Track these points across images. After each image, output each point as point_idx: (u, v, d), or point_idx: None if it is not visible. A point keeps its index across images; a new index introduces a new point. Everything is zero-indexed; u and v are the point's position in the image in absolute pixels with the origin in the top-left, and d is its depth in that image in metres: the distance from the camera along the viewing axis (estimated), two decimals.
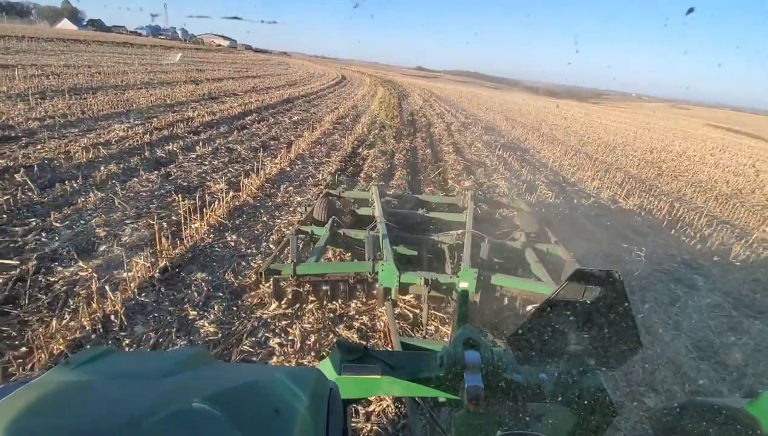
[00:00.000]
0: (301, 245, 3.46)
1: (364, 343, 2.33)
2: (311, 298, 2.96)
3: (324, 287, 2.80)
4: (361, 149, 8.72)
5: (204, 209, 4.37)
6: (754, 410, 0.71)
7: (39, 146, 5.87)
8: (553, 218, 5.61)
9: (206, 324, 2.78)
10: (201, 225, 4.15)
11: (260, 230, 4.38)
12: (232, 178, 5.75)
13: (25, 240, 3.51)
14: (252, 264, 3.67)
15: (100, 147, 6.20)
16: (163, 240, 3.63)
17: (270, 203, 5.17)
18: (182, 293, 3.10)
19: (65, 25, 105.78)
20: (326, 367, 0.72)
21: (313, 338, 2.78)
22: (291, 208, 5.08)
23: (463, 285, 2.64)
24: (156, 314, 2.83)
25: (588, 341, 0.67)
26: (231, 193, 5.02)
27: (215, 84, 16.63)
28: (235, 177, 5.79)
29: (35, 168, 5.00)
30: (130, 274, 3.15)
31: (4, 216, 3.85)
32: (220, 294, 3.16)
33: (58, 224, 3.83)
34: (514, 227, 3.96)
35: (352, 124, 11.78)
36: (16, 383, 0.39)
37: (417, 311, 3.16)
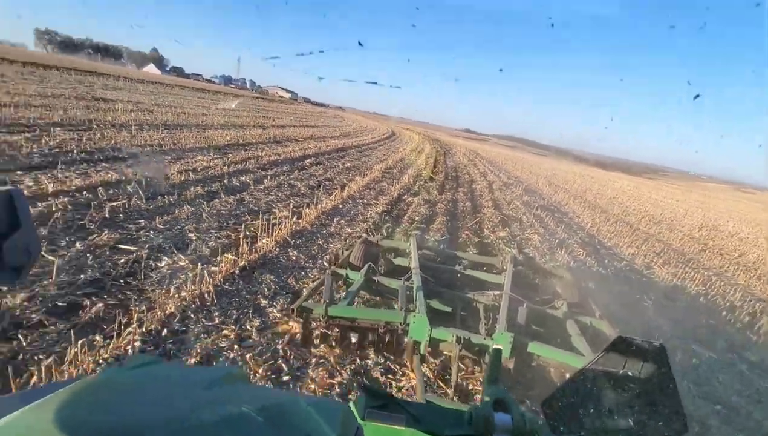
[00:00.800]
0: (334, 288, 3.44)
1: (389, 390, 2.43)
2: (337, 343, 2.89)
3: (352, 334, 2.79)
4: (406, 196, 9.51)
5: (272, 228, 5.19)
6: None
7: (189, 162, 7.13)
8: (581, 271, 5.93)
9: (274, 311, 3.44)
10: (269, 240, 4.94)
11: (316, 251, 5.10)
12: (293, 208, 6.64)
13: (138, 235, 4.44)
14: (309, 275, 4.34)
15: (189, 172, 7.40)
16: (244, 244, 4.43)
17: (324, 231, 5.94)
18: (256, 287, 3.81)
19: (151, 69, 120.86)
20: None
21: (338, 378, 2.78)
22: (342, 237, 5.80)
23: (496, 348, 2.52)
24: (236, 299, 3.53)
25: (628, 417, 0.62)
26: (293, 219, 5.85)
27: (279, 130, 18.57)
28: (296, 207, 6.67)
29: (142, 182, 6.14)
30: (217, 267, 3.92)
31: (121, 215, 4.85)
32: (284, 292, 3.83)
33: (161, 226, 4.77)
34: (556, 294, 3.83)
35: (399, 174, 12.76)
36: (68, 380, 0.41)
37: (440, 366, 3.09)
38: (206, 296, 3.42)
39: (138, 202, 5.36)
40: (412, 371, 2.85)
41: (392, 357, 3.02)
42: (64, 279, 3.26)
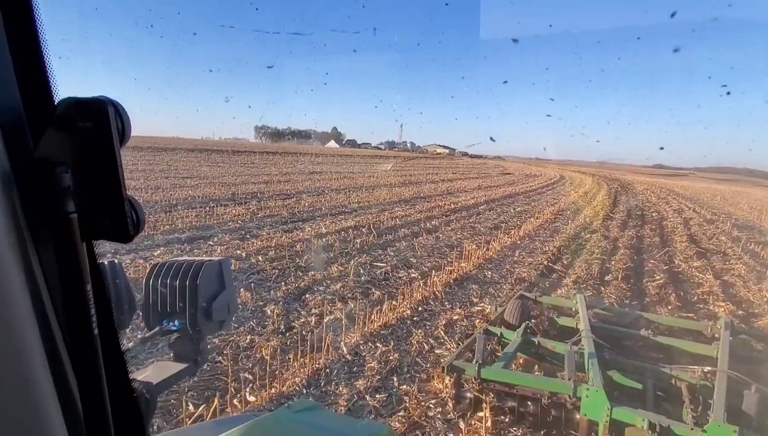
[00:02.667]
0: (488, 348, 3.27)
1: None
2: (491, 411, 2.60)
3: (511, 403, 2.55)
4: (584, 234, 9.79)
5: (466, 257, 6.64)
6: None
7: (365, 217, 9.76)
8: None
9: (484, 304, 4.75)
10: (467, 264, 6.37)
11: (504, 272, 6.27)
12: (478, 243, 8.01)
13: (380, 257, 6.49)
14: (500, 291, 5.52)
15: (396, 219, 9.70)
16: (447, 272, 5.96)
17: (507, 260, 7.06)
18: (467, 291, 5.23)
19: (331, 144, 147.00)
20: None
21: None
22: (523, 265, 6.80)
23: None
24: (456, 296, 5.00)
25: None
26: (482, 250, 7.20)
27: (448, 184, 20.81)
28: (480, 244, 8.02)
29: (371, 226, 8.56)
30: (435, 279, 5.51)
31: (366, 247, 7.07)
32: (487, 298, 5.12)
33: (391, 253, 6.78)
34: None
35: (573, 215, 12.88)
36: (247, 415, 0.53)
37: None
38: (436, 293, 5.00)
39: (372, 239, 7.62)
40: None
41: None
42: (354, 279, 5.35)
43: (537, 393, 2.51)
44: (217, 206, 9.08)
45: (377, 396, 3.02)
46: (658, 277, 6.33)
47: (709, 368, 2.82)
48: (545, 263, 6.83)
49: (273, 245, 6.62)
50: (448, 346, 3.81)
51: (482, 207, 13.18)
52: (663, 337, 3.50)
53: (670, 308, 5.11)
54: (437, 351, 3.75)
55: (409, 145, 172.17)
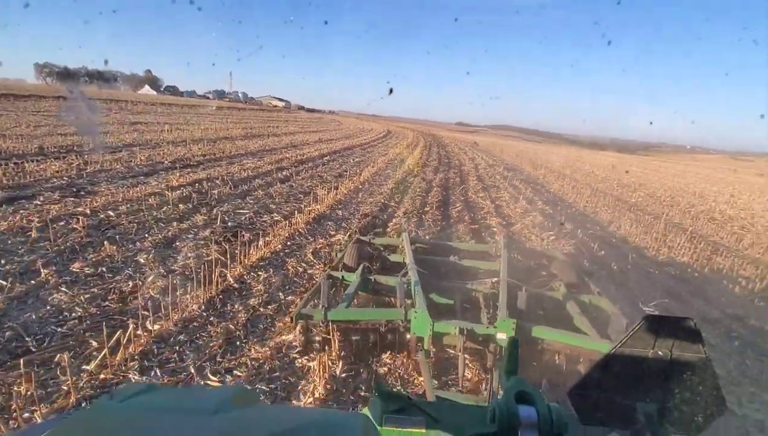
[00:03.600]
0: (332, 291, 3.47)
1: (406, 392, 2.41)
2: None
3: (354, 336, 2.79)
4: (409, 178, 12.00)
5: (319, 200, 7.68)
6: None
7: (215, 170, 9.63)
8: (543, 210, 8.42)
9: (339, 236, 5.93)
10: (321, 206, 7.42)
11: (352, 210, 7.59)
12: (328, 188, 9.13)
13: (241, 206, 6.92)
14: (351, 224, 6.80)
15: (248, 171, 9.90)
16: (307, 213, 6.89)
17: (353, 201, 8.42)
18: (324, 227, 6.31)
19: (147, 91, 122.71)
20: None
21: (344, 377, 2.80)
22: (366, 204, 8.27)
23: (500, 336, 2.59)
24: (318, 230, 6.03)
25: (662, 400, 0.59)
26: (332, 194, 8.33)
27: (290, 137, 21.07)
28: (329, 188, 9.15)
29: (224, 178, 8.63)
30: (297, 219, 6.40)
31: (224, 197, 7.33)
32: (341, 231, 6.31)
33: (251, 202, 7.25)
34: (552, 276, 3.92)
35: (400, 164, 15.25)
36: (56, 418, 0.39)
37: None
38: (299, 230, 5.92)
39: (229, 190, 7.85)
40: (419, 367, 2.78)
41: (397, 355, 2.99)
42: (221, 225, 5.76)
43: (376, 323, 2.80)
44: (24, 162, 7.54)
45: (269, 307, 3.85)
46: (458, 205, 8.73)
47: (496, 279, 3.46)
48: (382, 201, 8.47)
49: (120, 199, 6.26)
50: (318, 267, 4.83)
51: (326, 158, 14.28)
52: (466, 260, 4.23)
53: (465, 223, 7.34)
54: (309, 272, 4.73)
55: (241, 95, 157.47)
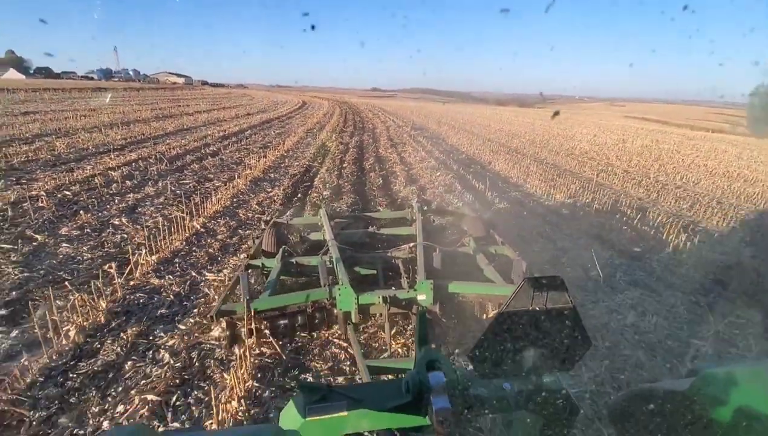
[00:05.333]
0: (253, 280, 3.46)
1: (326, 381, 2.51)
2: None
3: (282, 321, 2.75)
4: (327, 143, 13.42)
5: (250, 168, 8.88)
6: (693, 391, 0.76)
7: (143, 150, 10.18)
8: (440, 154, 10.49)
9: (278, 195, 7.34)
10: (253, 171, 8.65)
11: (282, 172, 8.93)
12: (257, 157, 10.26)
13: (182, 178, 7.91)
14: (282, 183, 8.18)
15: (176, 149, 10.57)
16: (243, 177, 8.10)
17: (281, 165, 9.72)
18: (261, 187, 7.64)
19: (12, 75, 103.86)
20: (290, 412, 0.70)
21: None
22: (292, 167, 9.62)
23: (421, 297, 2.70)
24: (253, 190, 7.36)
25: (542, 347, 0.70)
26: (262, 161, 9.53)
27: (205, 115, 20.93)
28: (258, 158, 10.29)
29: (156, 157, 9.32)
30: (236, 182, 7.62)
31: (164, 173, 8.20)
32: (276, 187, 7.69)
33: (189, 174, 8.25)
34: (463, 233, 4.07)
35: (318, 132, 16.50)
36: None
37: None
38: (241, 191, 7.21)
39: (165, 166, 8.67)
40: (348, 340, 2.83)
41: (326, 333, 3.03)
42: (171, 193, 6.83)
43: (303, 306, 2.79)
44: None
45: (233, 239, 5.25)
46: (371, 160, 10.47)
47: (413, 244, 3.57)
48: (306, 163, 9.90)
49: (66, 182, 6.93)
50: (268, 211, 6.25)
51: (247, 132, 15.03)
52: (384, 229, 4.38)
53: (375, 172, 9.12)
54: (259, 216, 6.13)
55: (132, 73, 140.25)
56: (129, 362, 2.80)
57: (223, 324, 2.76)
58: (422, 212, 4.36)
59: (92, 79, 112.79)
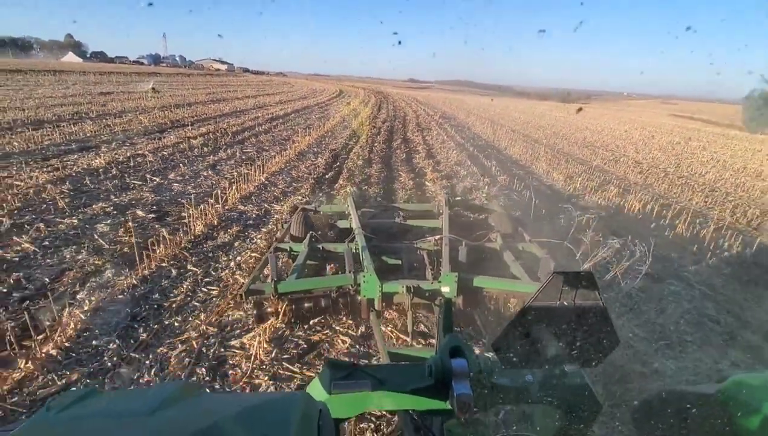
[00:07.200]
0: (280, 263, 3.61)
1: (352, 360, 2.62)
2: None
3: (306, 304, 2.87)
4: (362, 126, 15.09)
5: (299, 142, 10.67)
6: (723, 396, 0.75)
7: (209, 127, 12.21)
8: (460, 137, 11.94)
9: (317, 161, 9.09)
10: (300, 145, 10.43)
11: (323, 148, 10.68)
12: (302, 136, 12.06)
13: (243, 149, 9.80)
14: (323, 157, 9.90)
15: (235, 127, 12.56)
16: (293, 149, 9.88)
17: (323, 143, 11.48)
18: (307, 157, 9.41)
19: (71, 58, 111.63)
20: (316, 387, 0.72)
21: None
22: (331, 145, 11.34)
23: (444, 290, 2.76)
24: (301, 159, 9.14)
25: (568, 341, 0.70)
26: (306, 139, 11.32)
27: (253, 100, 23.13)
28: (303, 136, 12.07)
29: (220, 132, 11.30)
30: (288, 152, 9.42)
31: (229, 144, 10.13)
32: (319, 157, 9.43)
33: (248, 146, 10.13)
34: (490, 228, 4.11)
35: (354, 118, 18.20)
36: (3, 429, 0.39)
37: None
38: (291, 158, 9.00)
39: (229, 139, 10.60)
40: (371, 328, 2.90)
41: (350, 319, 3.13)
42: (239, 157, 8.71)
43: (327, 290, 2.89)
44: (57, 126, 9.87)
45: (289, 189, 7.00)
46: (399, 141, 12.05)
47: (439, 236, 3.62)
48: (343, 142, 11.61)
49: (160, 146, 8.96)
50: (314, 176, 7.99)
51: (291, 115, 16.96)
52: (410, 220, 4.41)
53: (401, 150, 10.71)
54: (305, 176, 7.88)
55: (178, 59, 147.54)
56: (236, 242, 4.58)
57: (252, 303, 2.88)
58: (449, 206, 4.39)
59: (143, 63, 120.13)
